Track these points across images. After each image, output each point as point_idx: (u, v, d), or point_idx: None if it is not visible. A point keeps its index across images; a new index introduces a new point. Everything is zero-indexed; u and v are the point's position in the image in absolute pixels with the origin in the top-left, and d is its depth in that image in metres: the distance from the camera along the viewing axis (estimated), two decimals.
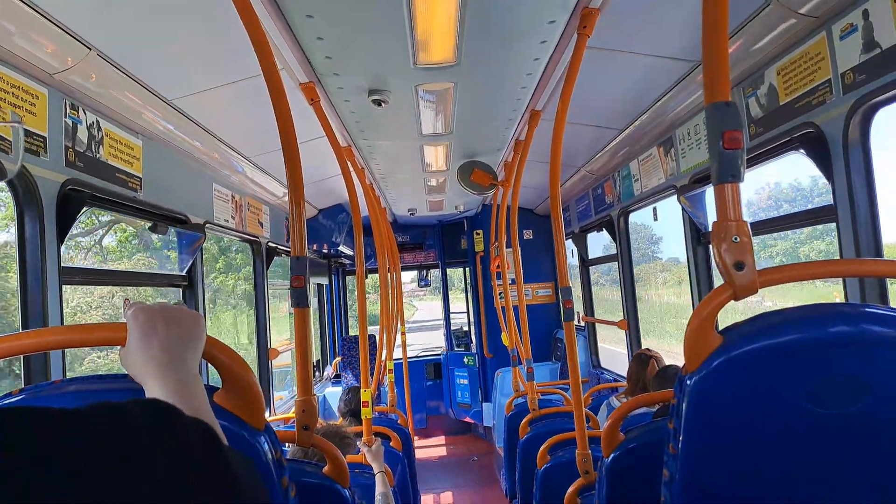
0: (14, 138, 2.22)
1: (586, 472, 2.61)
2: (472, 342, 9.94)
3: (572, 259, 7.51)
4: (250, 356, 5.45)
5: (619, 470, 1.94)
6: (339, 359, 8.63)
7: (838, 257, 2.62)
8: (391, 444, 4.14)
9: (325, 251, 7.73)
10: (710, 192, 3.91)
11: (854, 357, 1.23)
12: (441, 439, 9.68)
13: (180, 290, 4.08)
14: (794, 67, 2.76)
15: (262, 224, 5.44)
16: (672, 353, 5.56)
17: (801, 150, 2.78)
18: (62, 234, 2.62)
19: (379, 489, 3.02)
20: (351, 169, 3.99)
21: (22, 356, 2.40)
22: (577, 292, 7.26)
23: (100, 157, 2.93)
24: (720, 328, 1.31)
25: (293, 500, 1.24)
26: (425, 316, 28.17)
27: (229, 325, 10.59)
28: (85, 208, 2.77)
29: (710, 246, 1.35)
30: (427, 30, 2.68)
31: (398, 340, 7.28)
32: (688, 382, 1.27)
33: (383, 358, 5.87)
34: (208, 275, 8.08)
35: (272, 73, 1.98)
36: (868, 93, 2.33)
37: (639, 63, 3.43)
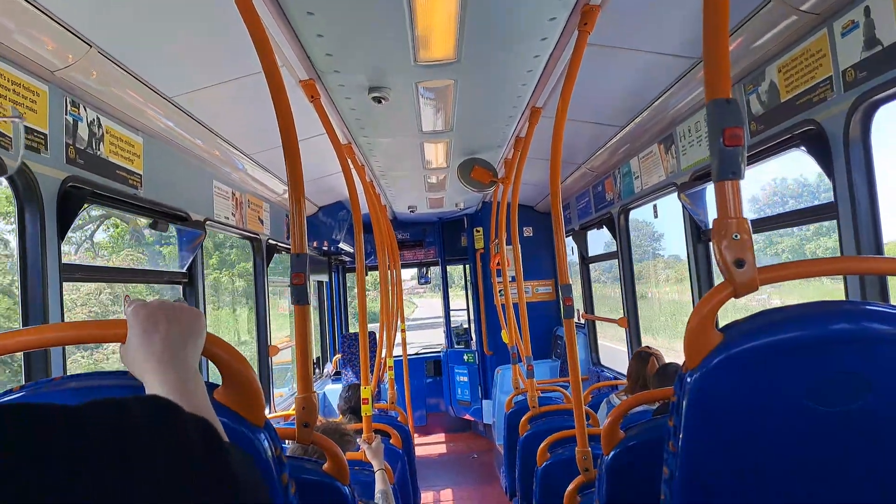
0: (14, 134, 2.22)
1: (586, 470, 2.62)
2: (472, 339, 9.95)
3: (572, 256, 7.51)
4: (246, 354, 5.45)
5: (619, 467, 1.95)
6: (339, 356, 8.63)
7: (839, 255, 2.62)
8: (391, 441, 4.14)
9: (325, 248, 7.72)
10: (710, 190, 3.91)
11: (855, 354, 1.23)
12: (441, 437, 9.69)
13: (180, 286, 4.08)
14: (795, 64, 2.76)
15: (262, 221, 5.44)
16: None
17: (802, 148, 2.77)
18: (63, 231, 2.62)
19: (379, 486, 3.02)
20: (351, 166, 3.99)
21: (22, 353, 2.40)
22: (577, 290, 7.26)
23: (100, 154, 2.92)
24: (721, 325, 1.31)
25: (293, 497, 1.24)
26: (425, 313, 28.04)
27: (223, 323, 10.58)
28: (85, 205, 2.76)
29: (711, 243, 1.35)
30: (427, 27, 2.68)
31: (398, 338, 7.29)
32: (688, 380, 1.27)
33: (383, 355, 5.88)
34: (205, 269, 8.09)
35: (272, 70, 1.97)
36: (869, 90, 2.33)
37: (639, 60, 3.43)
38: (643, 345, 4.94)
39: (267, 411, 1.53)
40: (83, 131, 2.79)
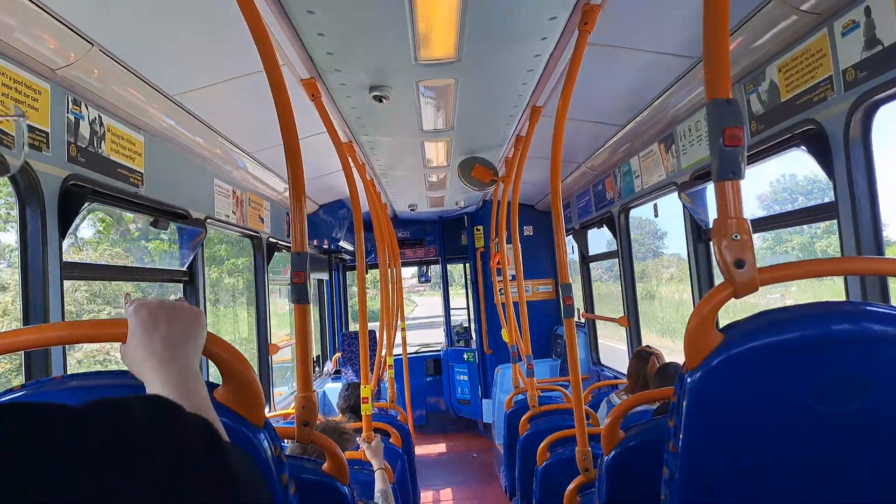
0: (17, 133, 2.22)
1: (586, 470, 2.62)
2: (471, 338, 9.95)
3: (572, 255, 7.51)
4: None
5: (619, 467, 1.95)
6: (338, 354, 8.63)
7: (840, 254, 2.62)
8: (391, 440, 4.14)
9: (325, 246, 7.72)
10: (710, 189, 3.91)
11: (855, 355, 1.23)
12: (441, 436, 9.69)
13: (181, 285, 4.08)
14: (795, 64, 2.76)
15: (262, 219, 5.44)
16: None
17: (803, 147, 2.77)
18: (64, 229, 2.63)
19: (378, 486, 3.03)
20: (352, 165, 3.99)
21: (23, 352, 2.40)
22: (577, 289, 7.26)
23: (102, 152, 2.93)
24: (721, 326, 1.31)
25: (293, 497, 1.24)
26: (424, 312, 27.89)
27: (212, 323, 10.56)
28: (87, 204, 2.76)
29: (711, 243, 1.35)
30: (428, 26, 2.68)
31: (399, 336, 7.29)
32: (688, 380, 1.27)
33: (383, 354, 5.88)
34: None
35: (273, 69, 1.98)
36: (869, 90, 2.33)
37: (640, 59, 3.43)
38: (644, 345, 4.94)
39: (266, 410, 1.53)
40: (84, 129, 2.80)
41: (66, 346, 2.73)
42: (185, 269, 4.04)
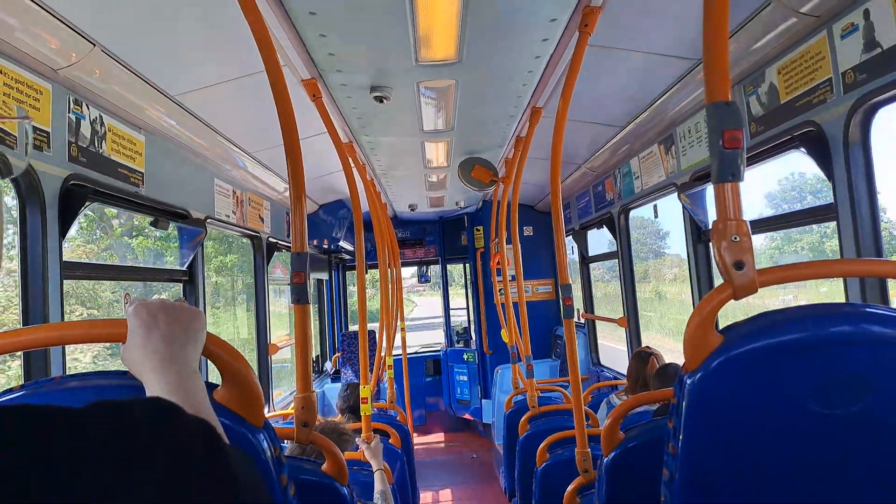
0: (21, 135, 2.22)
1: (586, 471, 2.62)
2: (471, 339, 9.95)
3: (572, 256, 7.51)
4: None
5: (619, 468, 1.95)
6: (338, 354, 8.63)
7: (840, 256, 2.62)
8: (390, 441, 4.14)
9: (325, 246, 7.72)
10: (710, 190, 3.91)
11: (855, 356, 1.23)
12: (440, 436, 9.68)
13: (181, 285, 4.09)
14: (794, 66, 2.76)
15: (262, 219, 5.45)
16: None
17: (802, 149, 2.78)
18: (64, 229, 2.63)
19: (378, 486, 3.02)
20: (352, 165, 4.00)
21: (22, 352, 2.41)
22: (576, 289, 7.27)
23: (102, 152, 2.93)
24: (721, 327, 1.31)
25: (292, 498, 1.24)
26: (424, 313, 27.63)
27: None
28: (87, 203, 2.77)
29: (710, 244, 1.35)
30: (429, 27, 2.68)
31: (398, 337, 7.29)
32: (688, 382, 1.27)
33: (383, 354, 5.87)
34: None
35: (274, 69, 1.98)
36: (869, 92, 2.33)
37: (639, 61, 3.43)
38: (644, 345, 4.94)
39: (266, 410, 1.53)
40: (86, 129, 2.80)
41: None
42: (184, 269, 4.05)
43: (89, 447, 0.54)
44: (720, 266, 1.30)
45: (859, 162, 2.48)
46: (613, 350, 7.05)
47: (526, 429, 4.17)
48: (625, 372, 4.53)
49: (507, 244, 5.44)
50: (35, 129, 2.46)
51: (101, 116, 2.92)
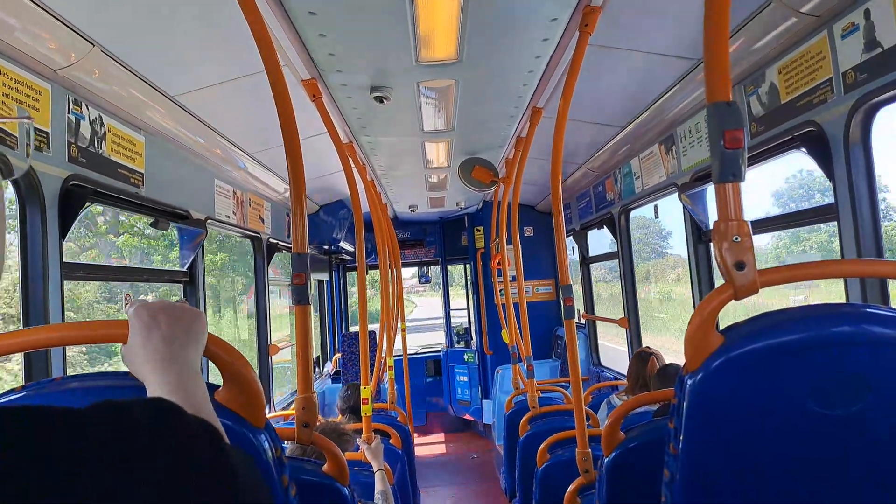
0: (22, 136, 2.22)
1: (586, 471, 2.62)
2: (472, 339, 9.94)
3: (573, 256, 7.51)
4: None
5: (620, 469, 1.95)
6: (338, 355, 8.63)
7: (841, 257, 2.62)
8: (391, 441, 4.14)
9: (325, 247, 7.72)
10: (710, 190, 3.91)
11: (855, 357, 1.23)
12: (441, 437, 9.68)
13: (181, 285, 4.08)
14: (795, 66, 2.76)
15: (262, 220, 5.44)
16: None
17: (803, 149, 2.77)
18: (64, 229, 2.62)
19: (378, 487, 3.02)
20: (352, 165, 4.00)
21: (23, 353, 2.40)
22: (577, 290, 7.26)
23: (102, 152, 2.93)
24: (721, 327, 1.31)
25: (293, 498, 1.24)
26: (424, 313, 27.38)
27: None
28: (87, 204, 2.76)
29: (711, 244, 1.35)
30: (429, 27, 2.68)
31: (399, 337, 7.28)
32: (688, 382, 1.27)
33: (383, 354, 5.87)
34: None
35: (275, 69, 1.98)
36: (869, 92, 2.33)
37: (640, 61, 3.43)
38: (644, 346, 4.94)
39: (266, 411, 1.53)
40: (85, 130, 2.80)
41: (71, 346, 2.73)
42: (185, 269, 4.04)
43: (89, 448, 0.54)
44: (721, 266, 1.30)
45: (860, 162, 2.47)
46: (614, 350, 7.05)
47: (526, 429, 4.16)
48: (625, 372, 4.53)
49: (507, 244, 5.43)
50: (35, 129, 2.45)
51: (100, 117, 2.92)
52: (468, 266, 9.82)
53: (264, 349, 5.34)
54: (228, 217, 4.58)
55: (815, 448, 1.26)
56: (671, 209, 4.89)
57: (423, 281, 11.24)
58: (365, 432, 3.38)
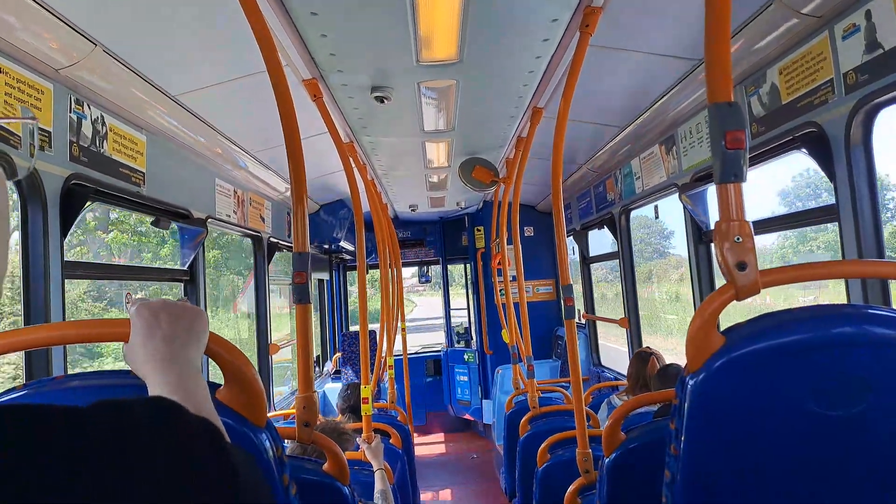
0: (26, 136, 2.22)
1: (587, 472, 2.62)
2: (472, 339, 9.94)
3: (573, 256, 7.51)
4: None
5: (620, 469, 1.95)
6: (339, 354, 8.63)
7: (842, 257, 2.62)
8: (391, 441, 4.14)
9: (326, 246, 7.72)
10: (711, 190, 3.91)
11: (856, 357, 1.23)
12: (441, 436, 9.68)
13: (182, 284, 4.08)
14: (796, 67, 2.76)
15: (263, 219, 5.44)
16: None
17: (804, 150, 2.77)
18: (65, 228, 2.62)
19: (378, 486, 3.02)
20: (353, 165, 4.00)
21: (23, 352, 2.40)
22: (577, 290, 7.26)
23: (104, 151, 2.93)
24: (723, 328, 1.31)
25: (294, 497, 1.24)
26: (424, 313, 27.28)
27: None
28: (88, 203, 2.76)
29: (713, 245, 1.35)
30: (430, 27, 2.69)
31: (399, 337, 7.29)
32: (690, 383, 1.27)
33: (383, 354, 5.87)
34: (153, 262, 7.87)
35: (276, 69, 1.98)
36: (870, 93, 2.33)
37: (641, 61, 3.43)
38: (644, 346, 4.93)
39: (267, 410, 1.53)
40: (87, 129, 2.80)
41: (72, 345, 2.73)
42: (185, 268, 4.04)
43: (89, 447, 0.54)
44: (723, 267, 1.30)
45: (861, 163, 2.47)
46: (615, 350, 7.05)
47: (526, 429, 4.16)
48: (625, 372, 4.53)
49: (507, 244, 5.43)
50: (37, 128, 2.45)
51: (102, 116, 2.92)
52: (468, 266, 9.83)
53: (264, 348, 5.34)
54: (229, 216, 4.58)
55: (816, 449, 1.26)
56: (671, 209, 4.89)
57: (424, 281, 11.24)
58: (365, 432, 3.38)
